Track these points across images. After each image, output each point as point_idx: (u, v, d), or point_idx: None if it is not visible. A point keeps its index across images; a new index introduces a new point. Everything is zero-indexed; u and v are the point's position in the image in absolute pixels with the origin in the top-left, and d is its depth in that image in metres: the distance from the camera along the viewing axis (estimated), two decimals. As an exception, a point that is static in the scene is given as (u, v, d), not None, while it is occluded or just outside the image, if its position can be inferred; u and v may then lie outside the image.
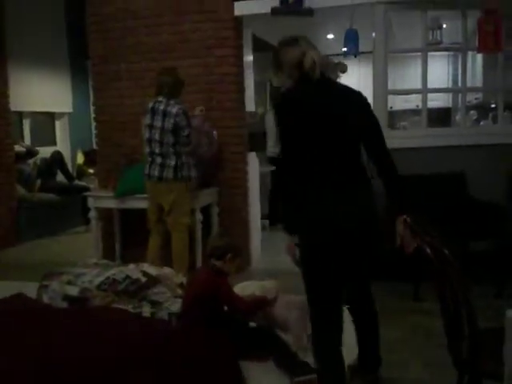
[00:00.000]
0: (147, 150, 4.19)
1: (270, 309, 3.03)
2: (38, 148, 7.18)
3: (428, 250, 1.84)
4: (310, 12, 4.45)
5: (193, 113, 4.42)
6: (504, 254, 3.90)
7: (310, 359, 2.82)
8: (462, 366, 1.87)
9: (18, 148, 6.77)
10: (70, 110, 8.04)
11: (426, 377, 2.78)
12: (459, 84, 4.92)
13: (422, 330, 3.07)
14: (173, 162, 4.10)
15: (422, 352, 2.87)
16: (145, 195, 4.33)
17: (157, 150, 4.13)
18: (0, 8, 6.27)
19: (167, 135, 4.07)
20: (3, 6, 6.32)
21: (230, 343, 2.80)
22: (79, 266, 3.74)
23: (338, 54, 7.12)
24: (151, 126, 4.13)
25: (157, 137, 4.11)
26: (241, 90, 4.87)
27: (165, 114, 4.07)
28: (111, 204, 4.78)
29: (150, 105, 4.16)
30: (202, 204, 4.60)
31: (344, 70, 4.01)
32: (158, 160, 4.12)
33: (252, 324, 3.06)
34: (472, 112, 6.59)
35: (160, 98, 4.13)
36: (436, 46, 4.82)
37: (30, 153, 6.92)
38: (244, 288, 3.20)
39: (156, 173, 4.14)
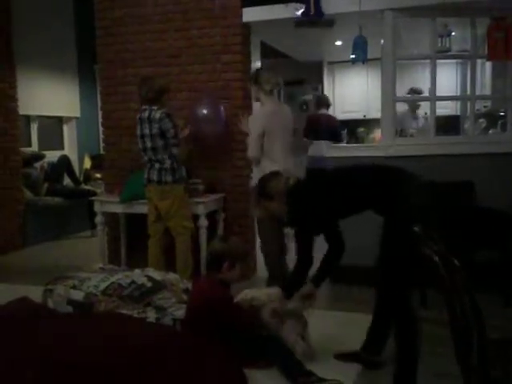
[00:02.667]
0: (145, 158, 4.31)
1: (263, 318, 3.02)
2: (45, 152, 7.21)
3: (436, 258, 1.81)
4: (330, 23, 4.49)
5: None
6: (511, 263, 3.86)
7: (314, 367, 2.80)
8: (471, 375, 1.84)
9: (24, 155, 6.81)
10: (78, 115, 8.06)
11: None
12: (468, 92, 4.90)
13: (429, 338, 3.04)
14: (169, 165, 4.20)
15: (428, 360, 2.84)
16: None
17: (153, 157, 4.23)
18: (8, 12, 6.31)
19: (157, 140, 4.17)
20: (12, 9, 6.36)
21: (234, 350, 2.79)
22: (84, 271, 3.75)
23: (346, 61, 7.14)
24: (142, 136, 4.24)
25: (149, 144, 4.22)
26: (247, 96, 4.86)
27: (150, 121, 4.17)
28: (117, 209, 4.78)
29: (138, 115, 4.28)
30: (208, 210, 4.59)
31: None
32: (157, 166, 4.22)
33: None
34: (481, 120, 6.54)
35: (144, 107, 4.24)
36: (445, 53, 4.80)
37: (36, 157, 6.95)
38: (248, 295, 3.18)
39: (155, 177, 4.22)
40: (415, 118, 6.57)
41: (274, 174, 3.10)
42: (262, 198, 3.02)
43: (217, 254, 2.96)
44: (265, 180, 3.06)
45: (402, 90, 5.41)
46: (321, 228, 2.97)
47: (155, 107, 4.18)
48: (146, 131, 4.19)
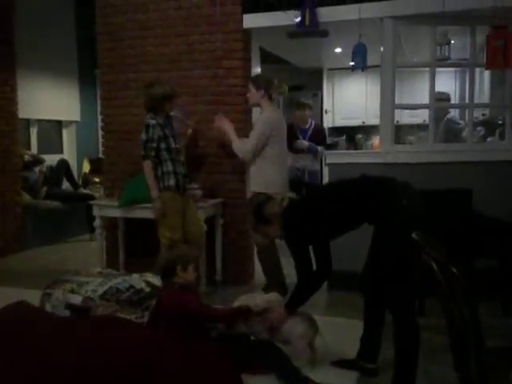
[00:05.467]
0: None
1: (277, 323, 3.03)
2: (44, 155, 7.21)
3: (434, 266, 1.82)
4: (325, 33, 4.51)
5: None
6: (509, 271, 3.87)
7: (313, 373, 2.80)
8: (469, 383, 1.84)
9: (27, 158, 6.83)
10: (78, 119, 8.07)
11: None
12: (466, 100, 4.91)
13: (427, 346, 3.05)
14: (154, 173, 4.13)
15: (426, 369, 2.84)
16: (148, 205, 4.32)
17: None
18: (10, 15, 6.33)
19: (142, 148, 4.13)
20: (13, 13, 6.38)
21: (232, 356, 2.79)
22: (83, 275, 3.74)
23: (345, 68, 7.16)
24: None
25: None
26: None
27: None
28: (116, 213, 4.76)
29: None
30: (206, 215, 4.59)
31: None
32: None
33: (254, 337, 3.06)
34: (479, 128, 6.56)
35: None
36: (444, 61, 4.82)
37: (37, 161, 6.96)
38: (247, 300, 3.19)
39: None
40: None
41: (268, 198, 3.12)
42: (259, 223, 3.03)
43: (168, 261, 3.07)
44: (260, 205, 3.05)
45: (400, 98, 5.42)
46: (316, 243, 2.95)
47: (148, 115, 4.13)
48: None
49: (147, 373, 2.43)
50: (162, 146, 4.10)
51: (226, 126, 4.39)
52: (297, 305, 3.02)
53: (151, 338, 2.83)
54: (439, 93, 5.70)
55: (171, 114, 4.34)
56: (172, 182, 4.13)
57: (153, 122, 4.09)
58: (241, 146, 4.27)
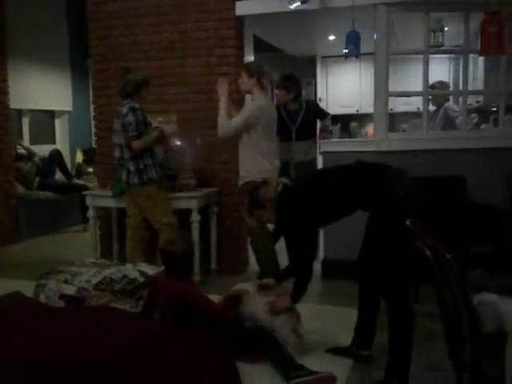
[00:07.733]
0: (116, 154, 4.13)
1: (256, 313, 3.03)
2: (36, 146, 7.21)
3: (428, 253, 1.82)
4: None
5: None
6: (503, 257, 3.88)
7: (307, 361, 2.81)
8: (463, 370, 1.85)
9: (20, 149, 6.82)
10: (70, 109, 8.02)
11: (424, 380, 2.76)
12: (460, 87, 4.90)
13: (421, 332, 3.06)
14: (134, 168, 4.02)
15: (420, 355, 2.85)
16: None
17: (119, 155, 4.08)
18: (1, 4, 6.26)
19: (120, 137, 4.01)
20: (4, 2, 6.31)
21: (227, 344, 2.79)
22: (77, 265, 3.73)
23: (339, 56, 7.13)
24: (114, 131, 4.09)
25: (116, 141, 4.06)
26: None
27: (118, 116, 4.03)
28: (109, 203, 4.74)
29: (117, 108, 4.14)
30: (201, 204, 4.58)
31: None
32: (125, 164, 4.06)
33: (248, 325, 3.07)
34: (473, 115, 6.57)
35: (123, 101, 4.09)
36: (438, 48, 4.80)
37: (30, 155, 6.94)
38: (241, 289, 3.19)
39: (124, 177, 4.10)
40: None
41: (263, 183, 3.09)
42: (254, 208, 2.99)
43: (184, 254, 3.07)
44: (254, 189, 3.02)
45: (394, 86, 5.39)
46: (310, 229, 2.95)
47: (126, 101, 4.02)
48: (116, 126, 4.05)
49: (147, 365, 2.43)
50: (144, 133, 4.02)
51: (222, 95, 4.20)
52: (299, 295, 2.99)
53: (149, 329, 2.83)
54: (440, 82, 5.70)
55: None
56: (154, 173, 4.07)
57: (137, 105, 4.00)
58: (224, 123, 4.15)
